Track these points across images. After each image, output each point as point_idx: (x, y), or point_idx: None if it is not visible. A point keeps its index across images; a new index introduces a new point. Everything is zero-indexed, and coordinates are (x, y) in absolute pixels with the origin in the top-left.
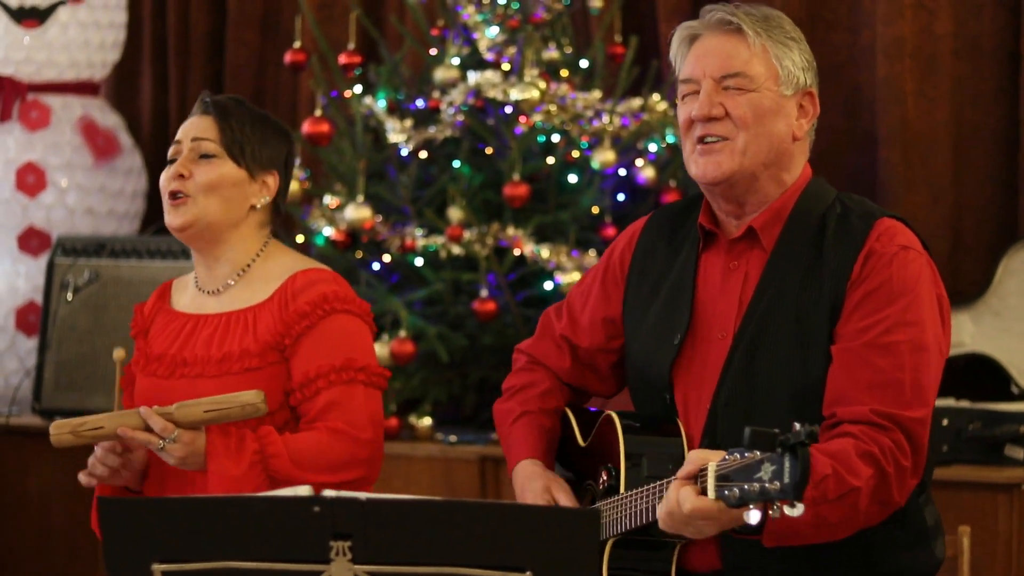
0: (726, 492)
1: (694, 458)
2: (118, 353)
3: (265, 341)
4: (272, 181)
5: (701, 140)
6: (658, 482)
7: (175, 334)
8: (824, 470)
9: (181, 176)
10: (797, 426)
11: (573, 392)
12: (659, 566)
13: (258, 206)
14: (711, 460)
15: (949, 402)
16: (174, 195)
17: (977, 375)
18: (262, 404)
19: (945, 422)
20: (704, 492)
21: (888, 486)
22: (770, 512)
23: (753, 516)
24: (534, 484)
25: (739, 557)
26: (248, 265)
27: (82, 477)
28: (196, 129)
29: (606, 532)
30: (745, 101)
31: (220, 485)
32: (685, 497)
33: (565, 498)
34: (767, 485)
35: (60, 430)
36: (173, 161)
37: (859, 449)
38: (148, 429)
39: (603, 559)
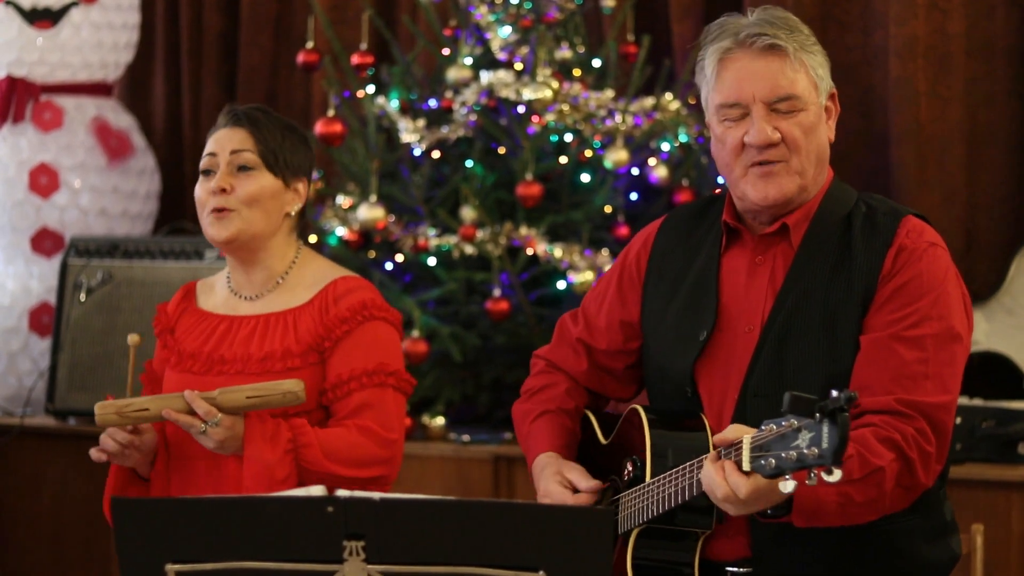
0: (762, 462)
1: (735, 428)
2: (133, 338)
3: (307, 342)
4: (303, 188)
5: (756, 164)
6: (684, 465)
7: (208, 333)
8: (848, 451)
9: (223, 190)
10: (835, 393)
11: (591, 395)
12: (683, 556)
13: (292, 213)
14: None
15: (962, 400)
16: (217, 209)
17: (990, 373)
18: (302, 392)
19: (958, 420)
20: (739, 466)
21: (912, 471)
22: (806, 481)
23: (788, 486)
24: (547, 471)
25: (768, 546)
26: (286, 272)
27: (93, 452)
28: (231, 141)
29: (631, 522)
30: (796, 123)
31: (254, 469)
32: (738, 485)
33: (578, 476)
34: (805, 451)
35: (105, 410)
36: (206, 173)
37: (879, 435)
38: (191, 413)
39: (628, 549)
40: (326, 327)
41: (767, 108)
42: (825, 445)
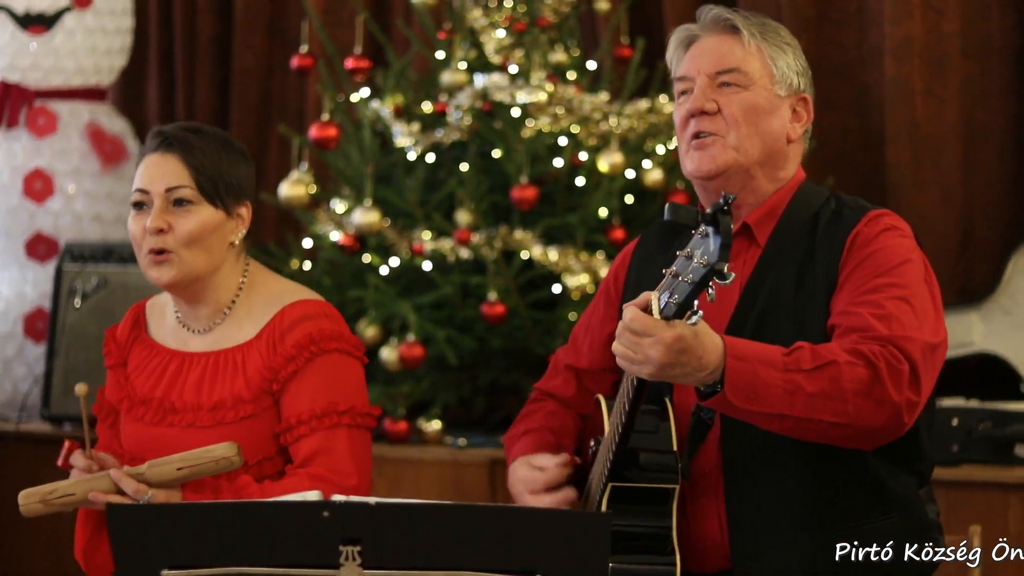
0: (667, 301)
1: (645, 294)
2: (80, 388)
3: (257, 385)
4: (246, 212)
5: (695, 136)
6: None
7: (159, 374)
8: (800, 344)
9: (160, 231)
10: (720, 200)
11: (581, 417)
12: (659, 520)
13: (236, 242)
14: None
15: (959, 402)
16: (154, 251)
17: (987, 375)
18: (236, 457)
19: (955, 422)
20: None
21: (880, 380)
22: (707, 298)
23: (694, 318)
24: (519, 468)
25: (748, 555)
26: (232, 302)
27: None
28: (164, 175)
29: (598, 490)
30: (738, 100)
31: None
32: (626, 311)
33: (544, 458)
34: (695, 263)
35: (29, 500)
36: (139, 206)
37: (843, 345)
38: (121, 492)
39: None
40: (272, 369)
41: (710, 81)
42: (712, 248)
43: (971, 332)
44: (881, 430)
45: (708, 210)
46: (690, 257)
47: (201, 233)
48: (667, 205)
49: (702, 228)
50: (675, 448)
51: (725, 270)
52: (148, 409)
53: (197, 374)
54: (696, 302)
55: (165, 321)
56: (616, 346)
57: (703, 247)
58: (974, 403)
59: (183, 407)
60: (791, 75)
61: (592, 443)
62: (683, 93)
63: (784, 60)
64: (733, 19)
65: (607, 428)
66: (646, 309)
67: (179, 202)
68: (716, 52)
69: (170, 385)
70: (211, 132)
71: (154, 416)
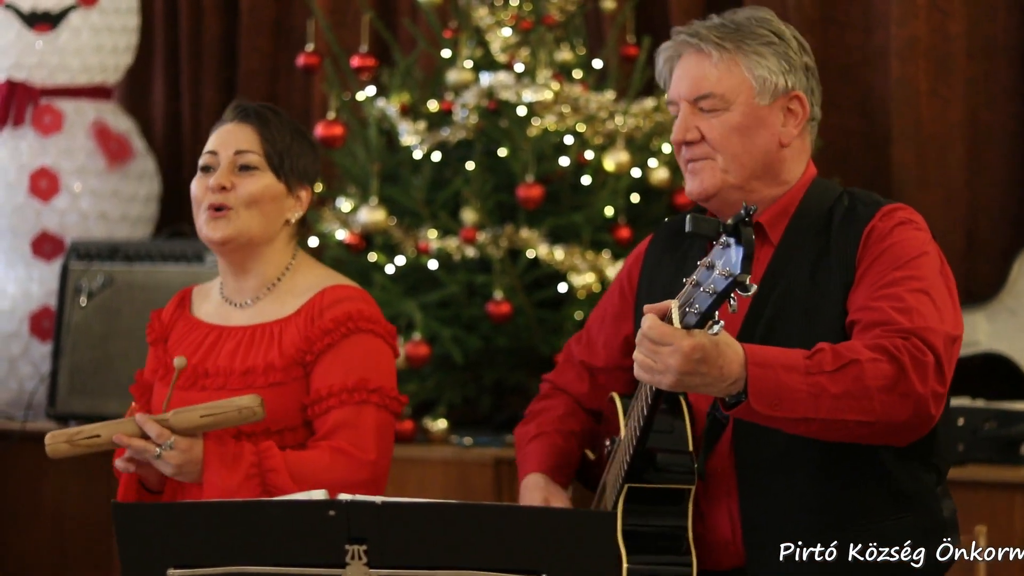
0: (687, 309)
1: (665, 302)
2: (179, 361)
3: (290, 355)
4: (305, 196)
5: (689, 161)
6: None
7: (197, 344)
8: (821, 346)
9: (223, 188)
10: (742, 211)
11: (593, 416)
12: (675, 520)
13: (292, 221)
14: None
15: (964, 401)
16: (214, 207)
17: (993, 374)
18: (259, 408)
19: (961, 421)
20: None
21: (906, 376)
22: (728, 308)
23: (716, 327)
24: (533, 495)
25: (761, 554)
26: (278, 279)
27: (119, 463)
28: (236, 140)
29: (615, 491)
30: (718, 124)
31: (213, 495)
32: (645, 320)
33: (559, 498)
34: (717, 274)
35: (55, 440)
36: (206, 169)
37: (865, 343)
38: (145, 437)
39: (617, 518)
40: (308, 340)
41: (691, 107)
42: (734, 259)
43: (977, 332)
44: (908, 424)
45: (729, 221)
46: (711, 267)
47: (262, 197)
48: (688, 217)
49: (723, 239)
50: (691, 449)
51: (747, 282)
52: (182, 374)
53: (233, 344)
54: (717, 312)
55: (209, 300)
56: (636, 355)
57: (724, 258)
58: (980, 403)
59: (215, 372)
60: (774, 79)
61: (608, 442)
62: (675, 116)
63: (764, 66)
64: (700, 42)
65: (623, 429)
66: (665, 317)
67: (245, 167)
68: (692, 76)
69: (207, 354)
70: (286, 116)
71: (186, 381)
